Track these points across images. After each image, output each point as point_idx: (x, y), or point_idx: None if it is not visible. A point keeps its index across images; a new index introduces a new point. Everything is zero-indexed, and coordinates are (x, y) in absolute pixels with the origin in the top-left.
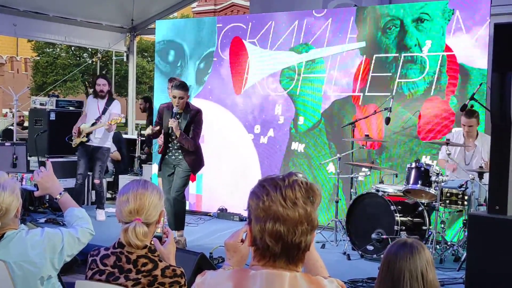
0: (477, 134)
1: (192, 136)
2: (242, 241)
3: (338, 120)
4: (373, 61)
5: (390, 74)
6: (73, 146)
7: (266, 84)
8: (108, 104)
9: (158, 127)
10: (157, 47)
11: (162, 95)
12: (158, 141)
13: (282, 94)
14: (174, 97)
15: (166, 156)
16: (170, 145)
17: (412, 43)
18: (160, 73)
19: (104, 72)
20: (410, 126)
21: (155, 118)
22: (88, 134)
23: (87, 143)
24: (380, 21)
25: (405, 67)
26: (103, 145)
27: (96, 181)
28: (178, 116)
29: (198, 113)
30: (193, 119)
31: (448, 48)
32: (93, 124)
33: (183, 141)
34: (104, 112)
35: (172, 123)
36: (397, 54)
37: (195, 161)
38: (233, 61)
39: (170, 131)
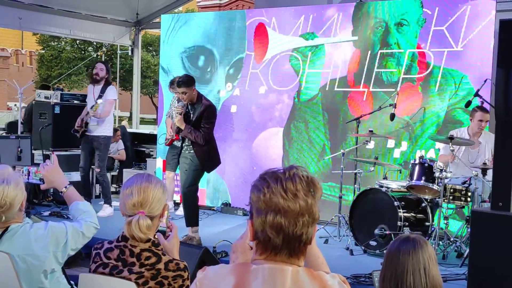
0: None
1: (201, 130)
2: (251, 247)
3: (332, 95)
4: (362, 53)
5: (374, 64)
6: (79, 137)
7: (278, 64)
8: (103, 90)
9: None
10: (187, 52)
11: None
12: (168, 131)
13: (290, 72)
14: (179, 93)
15: (182, 149)
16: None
17: (392, 41)
18: None
19: (109, 66)
20: (387, 105)
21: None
22: (86, 124)
23: (87, 133)
24: (370, 21)
25: (385, 59)
26: (100, 134)
27: (97, 170)
28: (186, 105)
29: (208, 107)
30: (202, 114)
31: (418, 48)
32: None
33: (188, 135)
34: (99, 98)
35: (176, 120)
36: (380, 49)
37: (206, 158)
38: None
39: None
